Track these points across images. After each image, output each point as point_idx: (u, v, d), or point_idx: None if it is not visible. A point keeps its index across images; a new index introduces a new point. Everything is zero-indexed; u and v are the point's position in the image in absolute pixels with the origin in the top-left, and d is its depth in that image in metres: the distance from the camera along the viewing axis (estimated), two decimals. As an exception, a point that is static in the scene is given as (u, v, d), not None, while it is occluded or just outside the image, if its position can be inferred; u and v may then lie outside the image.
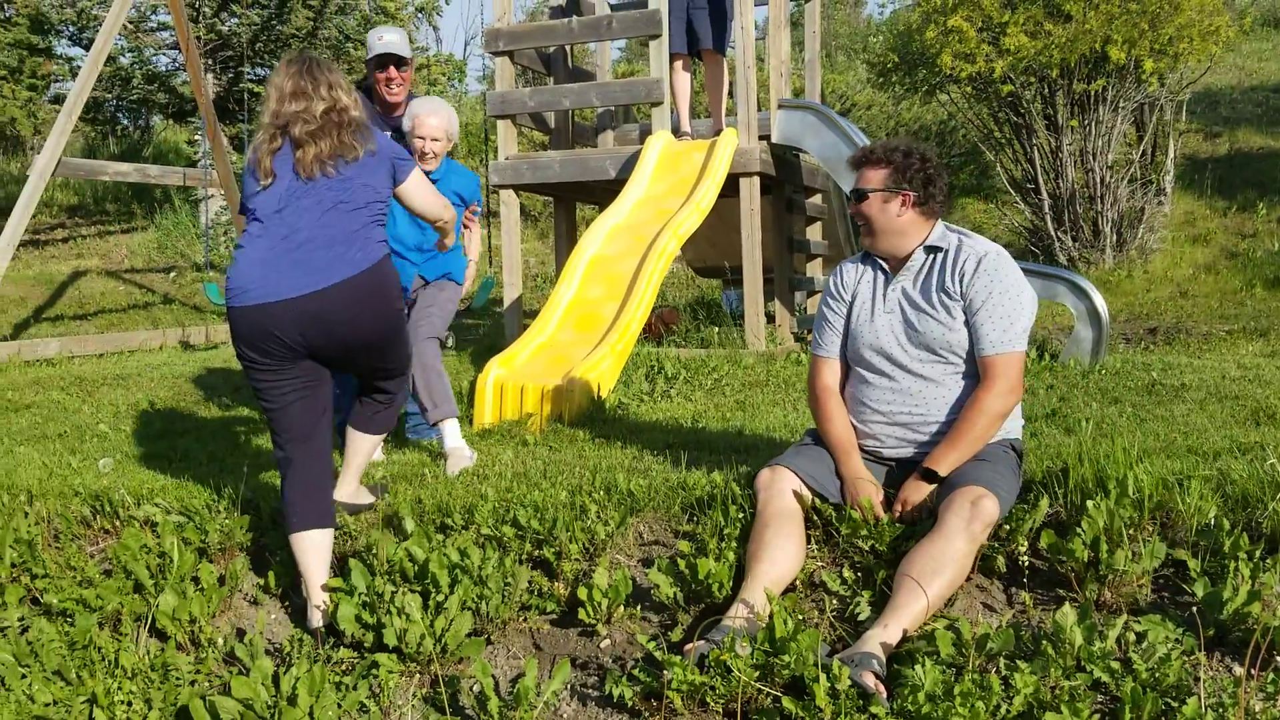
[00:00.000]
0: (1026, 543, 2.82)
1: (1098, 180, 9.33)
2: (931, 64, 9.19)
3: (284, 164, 3.18)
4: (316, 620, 3.10)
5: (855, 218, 3.14)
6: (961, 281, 2.98)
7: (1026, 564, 2.81)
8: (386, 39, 4.48)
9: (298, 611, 3.28)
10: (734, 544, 2.99)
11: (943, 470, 2.90)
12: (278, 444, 3.22)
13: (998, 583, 2.85)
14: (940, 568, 2.64)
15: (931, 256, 3.07)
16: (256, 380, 3.17)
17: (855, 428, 3.12)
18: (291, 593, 3.35)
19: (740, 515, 3.10)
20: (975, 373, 2.99)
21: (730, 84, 7.15)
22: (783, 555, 2.83)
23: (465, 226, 4.48)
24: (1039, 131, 9.43)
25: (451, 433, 4.14)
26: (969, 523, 2.70)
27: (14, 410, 5.89)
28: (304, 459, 3.19)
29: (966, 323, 2.97)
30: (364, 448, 3.55)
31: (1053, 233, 9.41)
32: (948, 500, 2.78)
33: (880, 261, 3.17)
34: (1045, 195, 9.42)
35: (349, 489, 3.54)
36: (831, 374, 3.21)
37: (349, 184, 3.18)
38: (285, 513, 3.18)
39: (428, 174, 4.24)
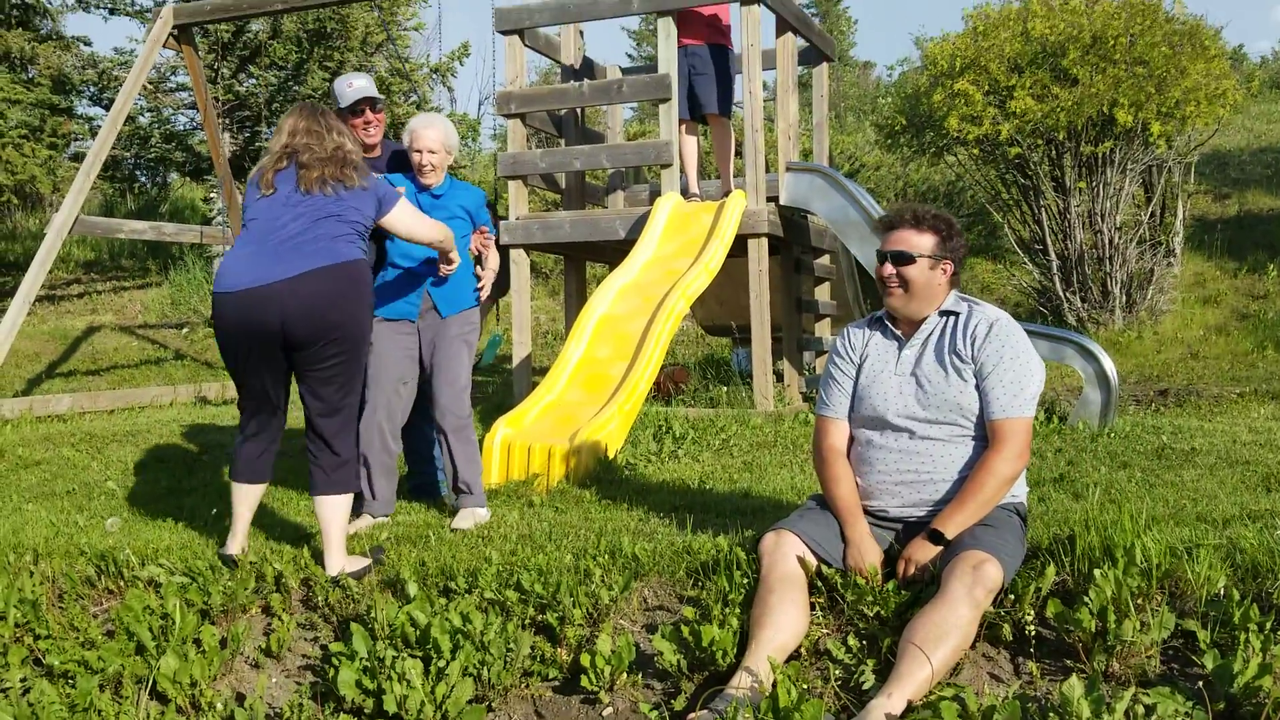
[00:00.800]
0: (1033, 612, 2.79)
1: (1106, 241, 9.35)
2: (939, 126, 9.26)
3: (286, 180, 3.56)
4: (234, 549, 3.63)
5: (889, 279, 3.09)
6: (973, 345, 3.00)
7: (1033, 633, 2.78)
8: (356, 85, 4.54)
9: (299, 674, 3.26)
10: (738, 610, 2.96)
11: (950, 532, 2.90)
12: (246, 423, 3.69)
13: (1004, 652, 2.82)
14: (944, 635, 2.62)
15: (944, 320, 3.11)
16: (236, 372, 3.59)
17: (860, 488, 3.12)
18: (289, 654, 3.33)
19: (745, 580, 3.08)
20: (981, 435, 3.01)
21: (739, 144, 7.22)
22: (786, 621, 2.82)
23: (483, 248, 4.38)
24: (1046, 193, 9.47)
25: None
26: (971, 589, 2.68)
27: (24, 467, 5.90)
28: (262, 427, 3.67)
29: (977, 386, 3.00)
30: (335, 512, 3.54)
31: (1061, 293, 9.41)
32: (950, 566, 2.77)
33: (890, 325, 3.18)
34: (1054, 256, 9.43)
35: (337, 560, 3.50)
36: (839, 435, 3.21)
37: (343, 203, 3.55)
38: (232, 465, 3.71)
39: (429, 189, 4.27)
